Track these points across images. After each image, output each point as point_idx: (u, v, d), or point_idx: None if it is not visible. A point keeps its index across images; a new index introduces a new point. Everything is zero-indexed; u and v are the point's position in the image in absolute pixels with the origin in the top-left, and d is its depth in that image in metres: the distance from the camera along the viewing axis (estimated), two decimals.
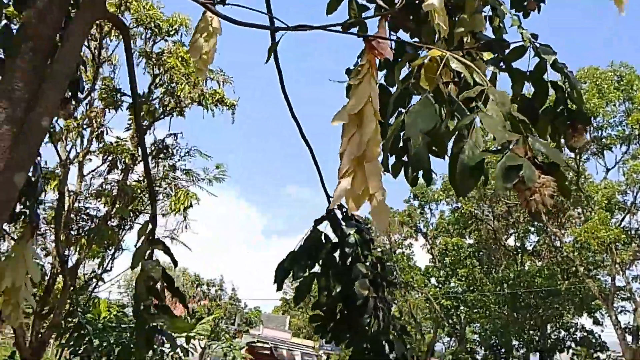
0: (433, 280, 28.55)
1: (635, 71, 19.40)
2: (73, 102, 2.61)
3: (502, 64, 2.21)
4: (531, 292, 22.83)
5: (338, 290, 2.63)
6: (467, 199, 24.01)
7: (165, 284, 2.16)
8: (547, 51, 2.20)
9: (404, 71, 1.98)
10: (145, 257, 2.18)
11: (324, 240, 2.85)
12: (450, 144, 1.74)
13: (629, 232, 19.84)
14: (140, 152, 12.24)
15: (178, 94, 11.42)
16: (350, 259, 2.78)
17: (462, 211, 25.02)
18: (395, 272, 28.69)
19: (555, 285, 22.38)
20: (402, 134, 1.79)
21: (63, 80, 1.58)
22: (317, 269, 2.88)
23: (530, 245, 25.46)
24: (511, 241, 26.25)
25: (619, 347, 20.21)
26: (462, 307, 26.43)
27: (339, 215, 2.92)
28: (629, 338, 19.79)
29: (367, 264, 2.70)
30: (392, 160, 2.06)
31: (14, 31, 1.86)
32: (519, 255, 25.07)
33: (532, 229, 24.74)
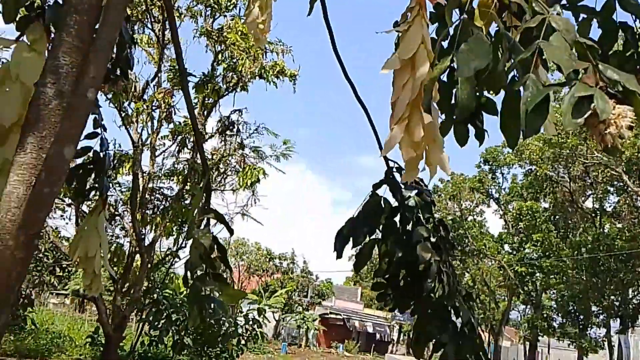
0: (507, 247, 27.90)
1: None
2: (124, 80, 2.63)
3: (564, 1, 2.01)
4: (611, 255, 21.88)
5: (399, 255, 2.54)
6: (541, 161, 23.15)
7: (218, 254, 2.15)
8: None
9: (456, 15, 1.83)
10: (201, 227, 2.19)
11: (383, 205, 2.76)
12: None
13: None
14: (205, 130, 12.52)
15: (240, 69, 11.51)
16: (411, 223, 2.69)
17: (537, 174, 24.16)
18: (467, 240, 28.24)
19: (637, 248, 21.34)
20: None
21: (106, 51, 1.56)
22: (377, 234, 2.81)
23: (610, 206, 24.36)
24: (589, 203, 25.21)
25: None
26: (537, 274, 25.70)
27: (399, 179, 2.83)
28: None
29: (429, 227, 2.60)
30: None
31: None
32: (598, 217, 24.01)
33: (612, 189, 23.61)
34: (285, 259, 33.09)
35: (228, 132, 12.57)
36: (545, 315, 27.57)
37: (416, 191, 2.84)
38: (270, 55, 11.95)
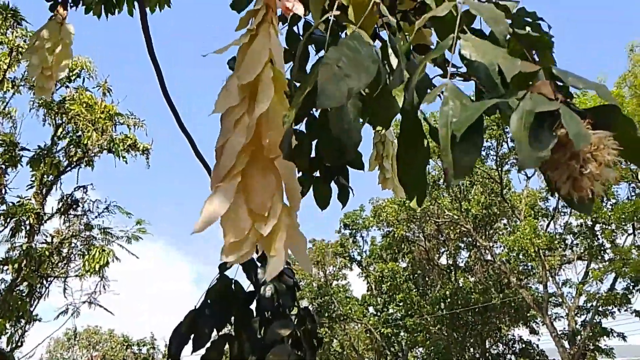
0: (371, 309, 28.16)
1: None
2: None
3: None
4: (468, 309, 22.84)
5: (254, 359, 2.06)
6: (397, 222, 23.95)
7: None
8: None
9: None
10: None
11: (234, 291, 2.29)
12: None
13: (554, 238, 20.28)
14: (44, 210, 11.28)
15: (85, 142, 10.62)
16: (270, 315, 2.24)
17: (394, 235, 24.93)
18: (333, 305, 28.13)
19: (490, 300, 22.50)
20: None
21: None
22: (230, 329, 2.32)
23: (462, 261, 25.65)
24: (443, 260, 26.37)
25: (557, 354, 20.41)
26: (402, 333, 26.12)
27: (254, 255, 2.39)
28: (566, 343, 20.01)
29: (291, 319, 2.16)
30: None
31: None
32: (453, 272, 25.15)
33: (463, 244, 24.95)
34: (145, 345, 30.67)
35: (72, 212, 11.44)
36: None
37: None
38: (120, 128, 11.21)
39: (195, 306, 2.29)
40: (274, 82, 1.13)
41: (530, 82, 0.94)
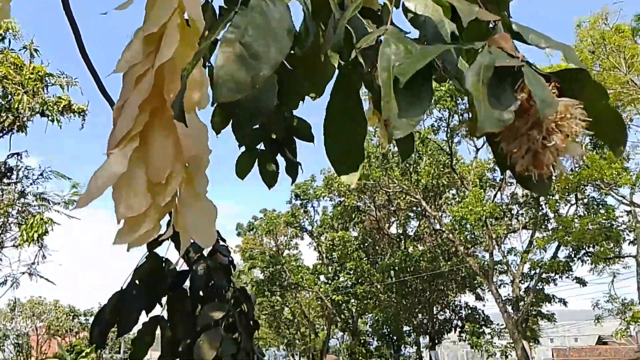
0: (322, 277, 28.35)
1: None
2: None
3: None
4: (417, 277, 23.22)
5: (188, 343, 1.85)
6: (348, 192, 23.94)
7: None
8: None
9: None
10: None
11: (165, 270, 2.05)
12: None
13: (501, 207, 20.68)
14: None
15: (15, 106, 9.98)
16: (203, 296, 2.02)
17: (345, 205, 24.96)
18: (285, 274, 28.19)
19: (439, 268, 22.92)
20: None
21: None
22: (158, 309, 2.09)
23: (412, 230, 25.97)
24: (394, 229, 26.63)
25: (501, 319, 21.03)
26: (352, 301, 26.41)
27: None
28: (510, 309, 20.61)
29: (227, 300, 1.95)
30: None
31: None
32: (402, 241, 25.46)
33: (412, 214, 25.23)
34: (92, 315, 30.06)
35: (5, 180, 10.83)
36: (362, 340, 28.38)
37: (210, 249, 2.18)
38: (53, 90, 10.58)
39: (121, 287, 2.06)
40: (183, 32, 0.91)
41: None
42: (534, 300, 20.31)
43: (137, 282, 2.06)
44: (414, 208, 24.41)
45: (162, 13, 0.93)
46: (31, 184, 10.94)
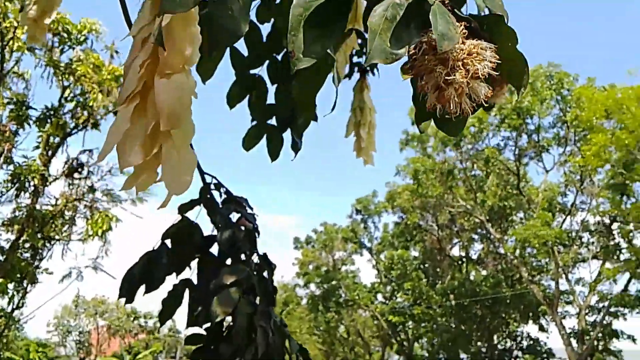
0: (380, 296, 27.96)
1: (562, 68, 19.61)
2: None
3: None
4: (477, 301, 22.52)
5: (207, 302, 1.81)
6: (411, 209, 23.60)
7: None
8: None
9: None
10: None
11: (194, 234, 2.03)
12: None
13: (570, 234, 19.81)
14: (49, 172, 11.15)
15: (91, 104, 10.42)
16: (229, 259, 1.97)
17: (407, 223, 24.62)
18: (340, 290, 27.99)
19: (501, 293, 22.17)
20: None
21: None
22: (188, 273, 2.07)
23: (475, 253, 25.28)
24: (456, 251, 26.02)
25: (564, 353, 20.07)
26: (409, 323, 25.88)
27: (218, 198, 2.12)
28: (574, 343, 19.63)
29: (251, 265, 1.90)
30: None
31: None
32: (464, 264, 24.80)
33: (476, 236, 24.56)
34: (151, 317, 30.81)
35: (76, 175, 11.28)
36: None
37: (240, 215, 2.14)
38: None
39: (152, 247, 2.07)
40: None
41: None
42: (600, 335, 19.27)
43: (165, 243, 2.07)
44: (478, 230, 23.76)
45: None
46: (98, 180, 11.35)
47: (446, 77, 0.78)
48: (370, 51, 0.75)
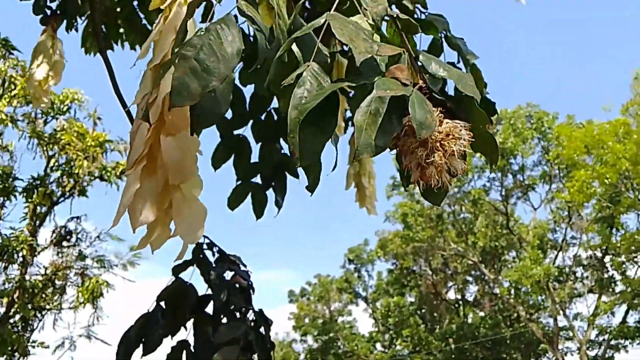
0: (378, 345, 27.53)
1: (541, 107, 20.11)
2: None
3: None
4: (477, 343, 22.23)
5: None
6: (404, 255, 23.54)
7: None
8: (439, 21, 1.58)
9: None
10: None
11: (188, 294, 2.06)
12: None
13: (564, 270, 19.81)
14: (37, 242, 11.07)
15: (76, 171, 10.47)
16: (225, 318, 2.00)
17: (400, 268, 24.51)
18: (339, 342, 27.54)
19: (500, 334, 21.93)
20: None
21: None
22: (185, 334, 2.09)
23: (471, 295, 25.11)
24: (451, 294, 25.82)
25: None
26: None
27: (211, 257, 2.17)
28: None
29: (246, 322, 1.93)
30: None
31: None
32: (461, 307, 24.59)
33: (470, 278, 24.46)
34: None
35: (65, 243, 11.20)
36: None
37: (233, 273, 2.18)
38: (112, 156, 11.05)
39: (147, 310, 2.10)
40: None
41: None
42: None
43: (161, 304, 2.10)
44: (472, 272, 23.69)
45: (163, 46, 1.13)
46: (87, 247, 11.28)
47: (426, 159, 0.87)
48: (358, 147, 0.83)
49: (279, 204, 1.97)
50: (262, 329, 1.94)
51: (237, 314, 2.01)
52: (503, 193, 20.92)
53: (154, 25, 1.22)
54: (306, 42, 1.02)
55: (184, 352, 2.07)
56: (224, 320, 2.10)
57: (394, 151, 0.92)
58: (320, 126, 0.87)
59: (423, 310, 25.36)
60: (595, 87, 38.93)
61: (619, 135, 16.02)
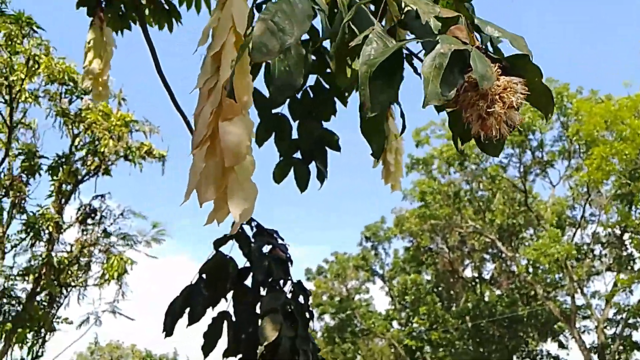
0: (395, 323, 27.73)
1: (560, 82, 19.66)
2: None
3: None
4: (494, 322, 22.32)
5: (250, 331, 1.94)
6: (420, 233, 23.57)
7: None
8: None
9: None
10: None
11: (229, 267, 2.17)
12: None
13: (582, 248, 19.75)
14: (63, 219, 11.30)
15: (102, 150, 10.63)
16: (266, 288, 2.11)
17: (417, 246, 24.57)
18: (355, 320, 27.77)
19: (517, 312, 21.98)
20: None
21: None
22: (225, 305, 2.19)
23: (487, 273, 25.15)
24: (468, 272, 25.89)
25: None
26: (426, 347, 25.61)
27: (249, 232, 2.26)
28: (595, 358, 19.40)
29: (285, 292, 2.03)
30: None
31: None
32: (478, 285, 24.66)
33: (487, 256, 24.47)
34: (166, 359, 30.56)
35: (89, 221, 11.43)
36: None
37: (271, 246, 2.28)
38: (136, 135, 11.20)
39: (190, 282, 2.21)
40: (236, 47, 1.17)
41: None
42: (621, 347, 19.05)
43: (203, 277, 2.20)
44: (489, 250, 23.69)
45: (222, 33, 1.19)
46: (111, 224, 11.49)
47: (487, 109, 0.94)
48: (427, 95, 0.90)
49: (322, 178, 2.05)
50: (301, 299, 2.04)
51: (276, 286, 2.10)
52: (521, 170, 20.79)
53: (211, 12, 1.30)
54: (362, 19, 1.11)
55: (225, 322, 2.19)
56: (263, 292, 2.20)
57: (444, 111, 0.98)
58: (387, 80, 0.96)
59: (440, 288, 25.47)
60: (612, 64, 38.32)
61: (639, 111, 15.81)
